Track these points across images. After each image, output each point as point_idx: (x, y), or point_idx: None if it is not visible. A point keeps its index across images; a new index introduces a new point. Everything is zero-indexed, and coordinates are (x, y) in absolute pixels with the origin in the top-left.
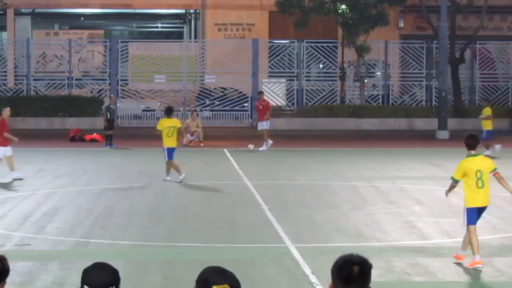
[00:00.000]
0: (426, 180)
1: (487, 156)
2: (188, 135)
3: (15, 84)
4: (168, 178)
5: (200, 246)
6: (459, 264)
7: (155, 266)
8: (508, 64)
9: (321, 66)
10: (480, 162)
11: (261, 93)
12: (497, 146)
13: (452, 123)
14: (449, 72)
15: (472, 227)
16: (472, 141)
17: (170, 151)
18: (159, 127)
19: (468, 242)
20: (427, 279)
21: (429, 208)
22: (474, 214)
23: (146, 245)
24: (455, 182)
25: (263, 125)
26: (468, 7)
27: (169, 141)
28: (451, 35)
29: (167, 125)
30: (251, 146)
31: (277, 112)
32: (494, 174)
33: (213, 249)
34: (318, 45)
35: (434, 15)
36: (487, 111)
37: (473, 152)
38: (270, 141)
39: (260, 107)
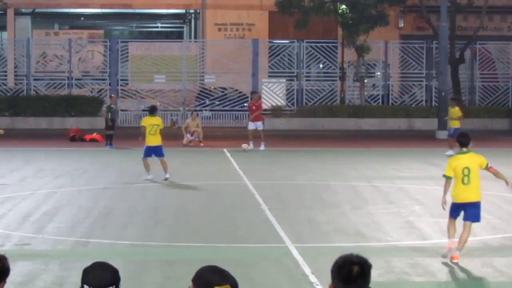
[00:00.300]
0: (426, 180)
1: (450, 155)
2: (188, 135)
3: (15, 84)
4: (167, 176)
5: (199, 246)
6: (458, 264)
7: (154, 266)
8: (508, 64)
9: (321, 66)
10: (468, 159)
11: (255, 93)
12: (245, 146)
13: None
14: (449, 72)
15: (450, 219)
16: (463, 139)
17: (149, 150)
18: (142, 124)
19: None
20: (427, 279)
21: (429, 208)
22: (456, 209)
23: (146, 245)
24: (448, 179)
25: (258, 125)
26: (468, 7)
27: (151, 139)
28: (451, 35)
29: (150, 122)
30: (245, 146)
31: (277, 112)
32: (488, 169)
33: (213, 249)
34: (318, 45)
35: (434, 15)
36: (457, 111)
37: (464, 149)
38: (252, 144)
39: (253, 107)
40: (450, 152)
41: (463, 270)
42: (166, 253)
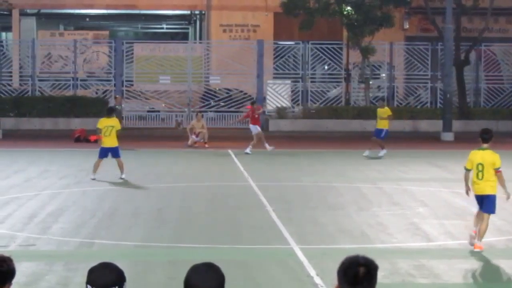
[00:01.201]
0: (430, 181)
1: (380, 157)
2: (193, 136)
3: (20, 85)
4: (123, 176)
5: (204, 247)
6: (464, 265)
7: (159, 266)
8: None
9: (326, 67)
10: (482, 156)
11: (258, 98)
12: (269, 147)
13: (457, 124)
14: (454, 74)
15: (476, 211)
16: (485, 135)
17: (104, 151)
18: (98, 126)
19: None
20: (432, 281)
21: (434, 210)
22: (479, 200)
23: (151, 246)
24: (467, 171)
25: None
26: (473, 9)
27: (106, 141)
28: (456, 37)
29: (106, 124)
30: (270, 148)
31: (282, 113)
32: (496, 172)
33: (218, 250)
34: (323, 46)
35: (439, 17)
36: (387, 111)
37: (484, 146)
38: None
39: (256, 115)
40: (366, 152)
41: (468, 272)
42: (171, 254)
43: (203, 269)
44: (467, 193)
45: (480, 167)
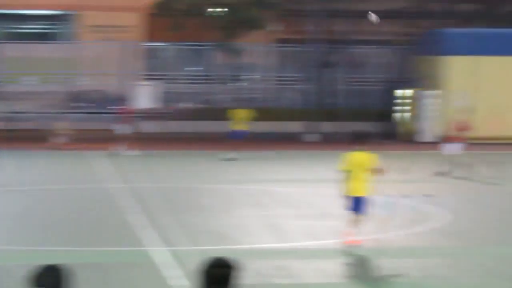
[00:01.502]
0: (294, 182)
1: (233, 158)
2: (60, 138)
3: None
4: None
5: (66, 250)
6: (324, 265)
7: (16, 270)
8: (377, 68)
9: (194, 68)
10: (356, 157)
11: (127, 99)
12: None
13: (323, 126)
14: (321, 75)
15: (349, 213)
16: (360, 137)
17: None
18: None
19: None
20: (292, 282)
21: (296, 211)
22: (349, 202)
23: (9, 250)
24: (341, 173)
25: (127, 129)
26: (341, 12)
27: None
28: (323, 40)
29: None
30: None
31: (150, 115)
32: (374, 171)
33: (79, 253)
34: (194, 47)
35: (308, 20)
36: (247, 113)
37: (359, 147)
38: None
39: (125, 113)
40: (232, 154)
41: (328, 271)
42: (28, 257)
43: (43, 270)
44: (340, 195)
45: (353, 168)
